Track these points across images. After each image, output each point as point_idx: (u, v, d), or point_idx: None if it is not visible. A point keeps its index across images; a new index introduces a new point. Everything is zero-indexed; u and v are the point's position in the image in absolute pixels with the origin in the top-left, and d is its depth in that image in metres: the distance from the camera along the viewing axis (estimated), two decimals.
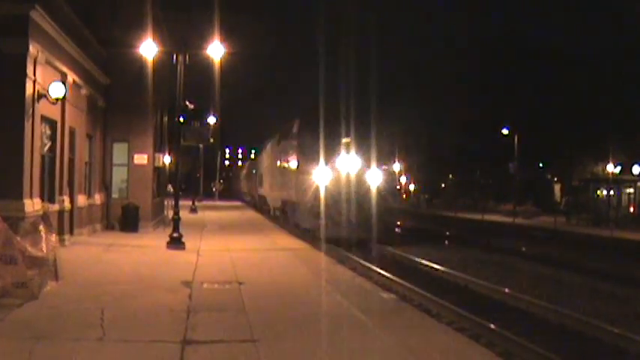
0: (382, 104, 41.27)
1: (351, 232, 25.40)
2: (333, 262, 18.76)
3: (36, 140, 17.22)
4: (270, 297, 12.32)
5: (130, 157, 28.07)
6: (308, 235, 26.47)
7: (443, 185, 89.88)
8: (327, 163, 26.20)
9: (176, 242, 20.47)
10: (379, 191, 26.46)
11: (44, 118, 18.44)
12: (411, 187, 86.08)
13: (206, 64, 24.60)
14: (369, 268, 19.82)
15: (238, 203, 69.42)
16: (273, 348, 8.35)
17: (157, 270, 15.53)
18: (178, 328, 9.22)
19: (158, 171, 32.06)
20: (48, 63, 18.02)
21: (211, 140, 56.92)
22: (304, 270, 16.50)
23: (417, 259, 22.89)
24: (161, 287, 12.89)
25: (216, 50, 21.62)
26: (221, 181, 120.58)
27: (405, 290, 16.20)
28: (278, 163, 34.94)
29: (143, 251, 19.75)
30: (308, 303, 11.79)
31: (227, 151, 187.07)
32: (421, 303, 14.81)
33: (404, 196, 80.00)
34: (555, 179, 71.67)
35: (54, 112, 19.30)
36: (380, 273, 18.67)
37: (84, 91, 23.08)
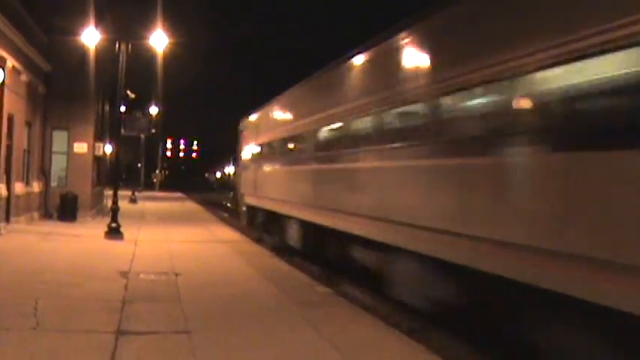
0: None
1: None
2: (270, 254, 18.93)
3: None
4: (206, 288, 12.46)
5: (70, 146, 27.82)
6: (248, 228, 26.58)
7: None
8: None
9: (114, 232, 20.40)
10: None
11: None
12: None
13: (149, 54, 24.53)
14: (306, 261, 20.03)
15: (179, 194, 68.92)
16: (207, 339, 8.50)
17: (94, 260, 15.49)
18: (113, 318, 9.29)
19: (98, 160, 31.74)
20: None
21: (153, 131, 56.41)
22: (242, 262, 16.65)
23: None
24: (97, 277, 12.90)
25: (159, 40, 21.57)
26: (164, 171, 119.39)
27: (342, 284, 16.45)
28: None
29: (81, 241, 19.63)
30: (243, 295, 11.94)
31: (169, 142, 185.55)
32: (356, 297, 15.09)
33: None
34: None
35: None
36: (317, 266, 18.88)
37: (24, 77, 22.73)
